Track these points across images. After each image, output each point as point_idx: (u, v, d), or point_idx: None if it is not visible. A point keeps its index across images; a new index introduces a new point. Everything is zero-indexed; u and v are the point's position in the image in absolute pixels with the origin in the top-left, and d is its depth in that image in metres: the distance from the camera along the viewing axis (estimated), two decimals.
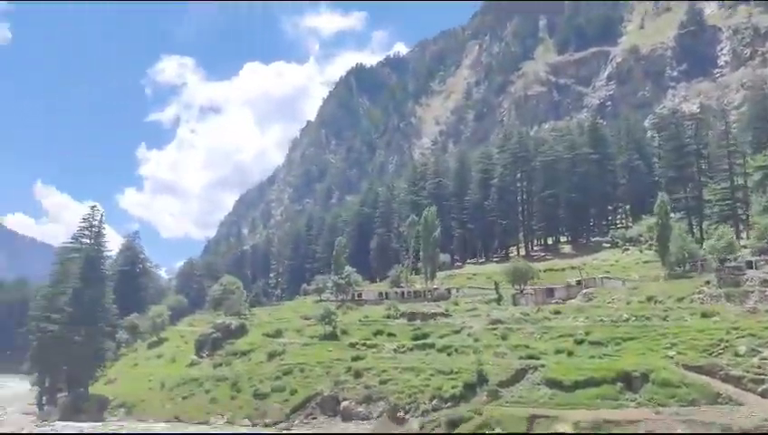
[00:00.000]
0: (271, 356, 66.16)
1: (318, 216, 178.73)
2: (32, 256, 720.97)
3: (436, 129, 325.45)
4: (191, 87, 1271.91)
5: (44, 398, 79.47)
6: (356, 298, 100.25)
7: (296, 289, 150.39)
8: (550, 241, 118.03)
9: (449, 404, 49.92)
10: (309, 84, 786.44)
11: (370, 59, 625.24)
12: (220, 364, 68.71)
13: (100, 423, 60.06)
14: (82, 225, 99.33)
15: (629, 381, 44.92)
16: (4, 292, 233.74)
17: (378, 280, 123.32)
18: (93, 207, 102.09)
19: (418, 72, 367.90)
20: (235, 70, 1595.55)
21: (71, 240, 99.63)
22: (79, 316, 71.35)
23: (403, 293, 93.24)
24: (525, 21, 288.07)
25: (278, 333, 74.00)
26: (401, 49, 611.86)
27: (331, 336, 69.33)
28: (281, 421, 55.56)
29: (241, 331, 75.79)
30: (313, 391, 58.18)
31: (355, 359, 61.49)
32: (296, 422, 55.18)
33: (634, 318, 56.00)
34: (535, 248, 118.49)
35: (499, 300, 75.04)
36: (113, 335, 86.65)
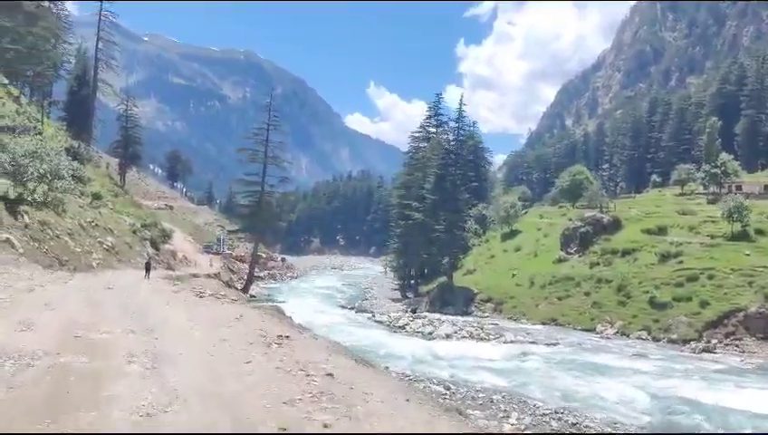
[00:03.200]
0: (664, 258, 54.23)
1: (662, 99, 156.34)
2: (369, 152, 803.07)
3: None
4: None
5: (405, 284, 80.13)
6: (733, 191, 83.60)
7: (636, 180, 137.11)
8: None
9: None
10: None
11: None
12: (597, 263, 59.14)
13: (471, 318, 55.72)
14: (428, 113, 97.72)
15: None
16: (352, 183, 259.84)
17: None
18: (438, 94, 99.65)
19: None
20: None
21: (418, 130, 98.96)
22: (440, 204, 67.83)
23: None
24: None
25: (662, 230, 61.47)
26: None
27: (742, 236, 54.59)
28: (691, 339, 44.09)
29: (614, 226, 64.90)
30: (733, 305, 45.26)
31: None
32: (714, 342, 43.23)
33: None
34: None
35: None
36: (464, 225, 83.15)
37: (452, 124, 67.62)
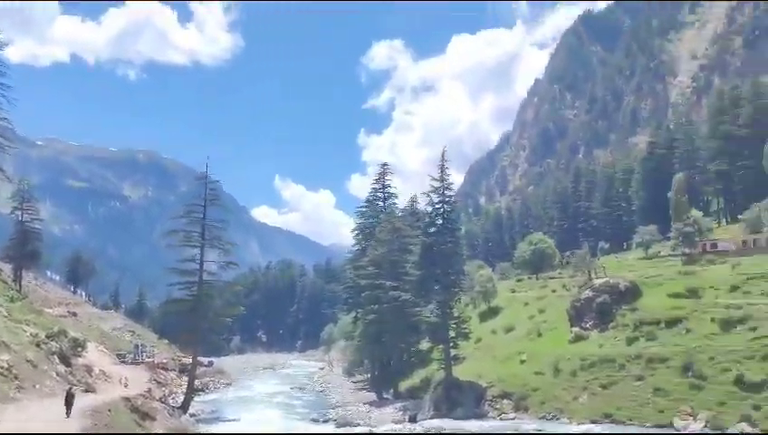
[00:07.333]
0: (727, 325, 44.18)
1: (585, 169, 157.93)
2: (280, 243, 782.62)
3: (695, 64, 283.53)
4: (402, 69, 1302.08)
5: (376, 382, 66.37)
6: (706, 250, 78.16)
7: (571, 250, 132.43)
8: None
9: None
10: (519, 49, 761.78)
11: (597, 4, 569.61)
12: (635, 338, 48.25)
13: (496, 422, 42.97)
14: (375, 186, 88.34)
15: None
16: (272, 273, 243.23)
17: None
18: (384, 164, 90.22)
19: (661, 6, 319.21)
20: (442, 45, 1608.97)
21: (364, 204, 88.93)
22: (427, 280, 55.60)
23: None
24: None
25: (693, 293, 51.98)
26: None
27: None
28: None
29: (633, 293, 54.84)
30: None
31: None
32: None
33: None
34: None
35: None
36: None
37: (435, 184, 55.98)
